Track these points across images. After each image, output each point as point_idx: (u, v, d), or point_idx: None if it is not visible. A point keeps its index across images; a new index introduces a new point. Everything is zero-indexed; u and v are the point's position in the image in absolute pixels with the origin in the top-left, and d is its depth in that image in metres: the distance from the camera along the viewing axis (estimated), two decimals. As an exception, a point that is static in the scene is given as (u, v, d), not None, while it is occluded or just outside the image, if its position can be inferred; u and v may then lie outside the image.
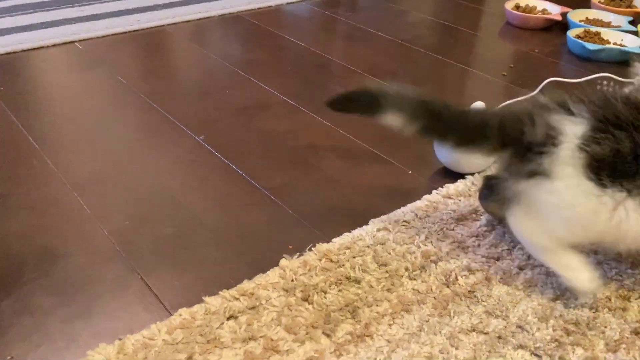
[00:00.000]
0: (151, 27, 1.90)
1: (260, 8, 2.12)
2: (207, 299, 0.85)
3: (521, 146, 0.83)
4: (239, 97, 1.49)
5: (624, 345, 0.80)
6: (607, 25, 2.00)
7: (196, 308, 0.83)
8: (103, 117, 1.39)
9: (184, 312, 0.83)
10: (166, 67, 1.67)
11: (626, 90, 0.88)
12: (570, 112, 0.82)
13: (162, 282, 0.90)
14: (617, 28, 1.95)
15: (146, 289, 0.89)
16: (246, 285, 0.87)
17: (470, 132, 0.88)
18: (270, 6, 2.15)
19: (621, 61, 1.78)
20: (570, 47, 1.85)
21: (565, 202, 0.82)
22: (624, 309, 0.86)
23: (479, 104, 1.16)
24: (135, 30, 1.87)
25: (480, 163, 1.16)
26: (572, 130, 0.81)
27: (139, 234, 1.00)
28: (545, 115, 0.83)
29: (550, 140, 0.81)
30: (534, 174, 0.82)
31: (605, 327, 0.83)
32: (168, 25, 1.93)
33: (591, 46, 1.75)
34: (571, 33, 1.87)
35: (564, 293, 0.89)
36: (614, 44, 1.86)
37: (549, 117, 0.83)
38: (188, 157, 1.23)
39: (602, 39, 1.88)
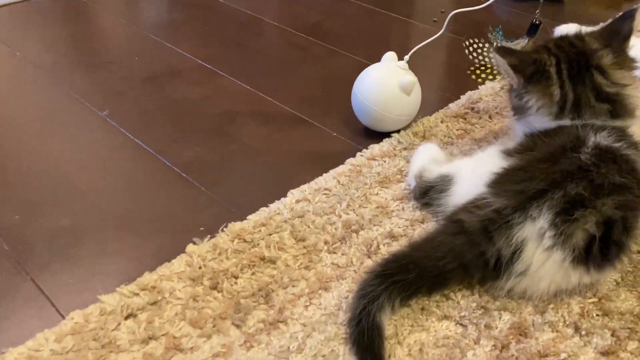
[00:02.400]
0: (53, -7, 1.73)
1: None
2: (102, 297, 0.76)
3: (487, 267, 0.75)
4: (148, 64, 1.37)
5: (552, 306, 0.76)
6: (540, -39, 1.92)
7: (90, 309, 0.75)
8: (-4, 98, 1.25)
9: (76, 316, 0.74)
10: (69, 37, 1.52)
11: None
12: (528, 217, 0.73)
13: (55, 281, 0.81)
14: (550, -36, 1.87)
15: (36, 291, 0.80)
16: (147, 278, 0.79)
17: (435, 280, 0.75)
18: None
19: (555, -1, 1.73)
20: (503, -13, 1.77)
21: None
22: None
23: (390, 55, 1.09)
24: (35, -2, 1.70)
25: (402, 120, 1.09)
26: (534, 233, 0.73)
27: (31, 229, 0.90)
28: (502, 230, 0.74)
29: (518, 251, 0.73)
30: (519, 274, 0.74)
31: (534, 287, 0.79)
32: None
33: (523, -16, 1.68)
34: (504, -28, 1.79)
35: (492, 253, 0.84)
36: (548, -20, 1.79)
37: (507, 232, 0.73)
38: (90, 136, 1.12)
39: (535, -24, 1.81)
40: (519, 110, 0.90)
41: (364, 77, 1.09)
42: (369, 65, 1.11)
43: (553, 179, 0.75)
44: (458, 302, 0.76)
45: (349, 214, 0.91)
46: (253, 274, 0.80)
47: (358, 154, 1.05)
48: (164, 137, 1.12)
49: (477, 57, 1.10)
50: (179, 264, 0.81)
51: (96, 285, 0.80)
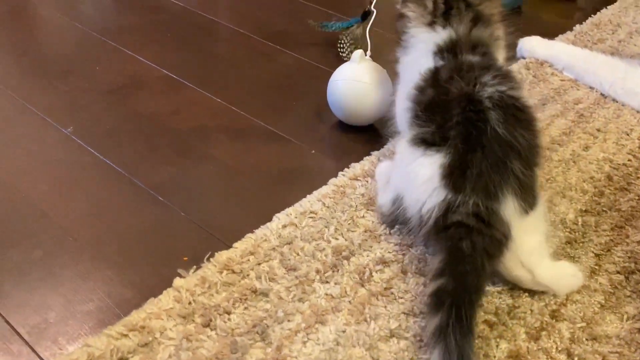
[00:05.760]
0: (0, -8, 1.61)
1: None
2: (89, 340, 0.72)
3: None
4: (110, 74, 1.30)
5: (544, 332, 0.78)
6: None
7: (76, 355, 0.70)
8: (-57, 111, 1.15)
9: (61, 363, 0.69)
10: (21, 43, 1.42)
11: None
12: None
13: (32, 322, 0.76)
14: (507, -28, 1.91)
15: (12, 334, 0.74)
16: (135, 316, 0.75)
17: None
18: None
19: (513, 8, 1.76)
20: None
21: None
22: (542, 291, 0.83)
23: (358, 52, 1.13)
24: (-22, -4, 1.58)
25: (374, 115, 1.12)
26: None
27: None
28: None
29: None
30: None
31: (525, 313, 0.80)
32: (20, -12, 1.65)
33: (484, -6, 1.70)
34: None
35: (481, 278, 0.85)
36: (505, -11, 1.82)
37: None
38: (54, 155, 1.05)
39: (494, -15, 1.84)
40: (401, 32, 0.97)
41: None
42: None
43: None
44: (455, 332, 0.77)
45: (337, 239, 0.89)
46: (246, 308, 0.78)
47: (340, 173, 1.03)
48: (134, 155, 1.06)
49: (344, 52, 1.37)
50: (166, 300, 0.77)
51: (77, 326, 0.76)
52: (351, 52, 1.26)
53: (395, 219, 0.90)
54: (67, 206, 0.95)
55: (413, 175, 0.82)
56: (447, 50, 0.89)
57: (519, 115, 0.82)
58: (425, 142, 0.82)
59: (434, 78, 0.87)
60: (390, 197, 0.89)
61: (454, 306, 0.70)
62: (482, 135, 0.79)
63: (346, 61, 1.21)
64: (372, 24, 1.28)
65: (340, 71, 1.14)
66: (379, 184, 0.98)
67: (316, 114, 1.21)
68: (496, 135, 0.79)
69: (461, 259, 0.75)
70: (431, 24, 0.92)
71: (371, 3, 1.30)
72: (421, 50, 0.93)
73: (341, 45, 1.39)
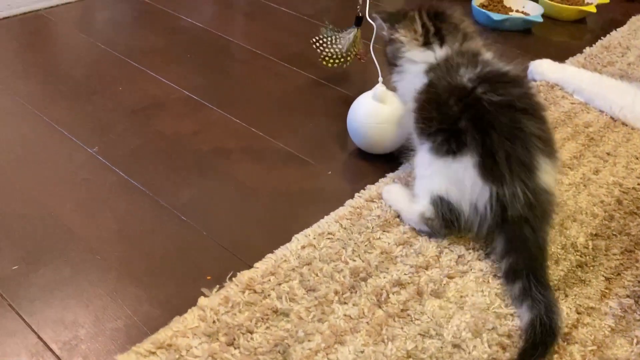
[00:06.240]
0: (25, 13, 1.66)
1: (149, -18, 1.93)
2: (119, 357, 0.75)
3: None
4: (133, 95, 1.34)
5: (556, 355, 0.80)
6: (509, -9, 2.00)
7: (106, 371, 0.74)
8: (-27, 130, 1.20)
9: (92, 378, 0.73)
10: (46, 63, 1.47)
11: None
12: None
13: (62, 340, 0.79)
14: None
15: (44, 350, 0.77)
16: (162, 334, 0.78)
17: None
18: (161, -21, 1.96)
19: (524, 30, 1.79)
20: (475, 17, 1.83)
21: None
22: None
23: (381, 90, 1.12)
24: (5, 18, 1.63)
25: (393, 145, 1.14)
26: None
27: (29, 280, 0.87)
28: None
29: None
30: None
31: (538, 335, 0.82)
32: (45, 9, 1.69)
33: (496, 16, 1.74)
34: (475, 2, 1.85)
35: (494, 300, 0.87)
36: (517, 11, 1.86)
37: None
38: (80, 175, 1.09)
39: (505, 7, 1.88)
40: (394, 57, 1.08)
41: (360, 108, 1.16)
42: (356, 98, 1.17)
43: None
44: (470, 353, 0.79)
45: (355, 260, 0.92)
46: (268, 328, 0.81)
47: (356, 194, 1.06)
48: (157, 175, 1.10)
49: (324, 50, 1.38)
50: (192, 318, 0.81)
51: (107, 343, 0.79)
52: (333, 51, 1.36)
53: (443, 218, 0.93)
54: (94, 225, 0.98)
55: (454, 180, 0.91)
56: (441, 65, 0.98)
57: (503, 79, 0.92)
58: (446, 147, 0.91)
59: (428, 86, 0.97)
60: (427, 202, 0.95)
61: (531, 274, 0.84)
62: (484, 112, 0.88)
63: (323, 59, 1.35)
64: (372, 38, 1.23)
65: (363, 110, 1.13)
66: (399, 202, 1.02)
67: (332, 135, 1.24)
68: (493, 103, 0.88)
69: (524, 241, 0.87)
70: (426, 45, 1.03)
71: (359, 9, 1.32)
72: (415, 71, 1.03)
73: (320, 42, 1.38)
